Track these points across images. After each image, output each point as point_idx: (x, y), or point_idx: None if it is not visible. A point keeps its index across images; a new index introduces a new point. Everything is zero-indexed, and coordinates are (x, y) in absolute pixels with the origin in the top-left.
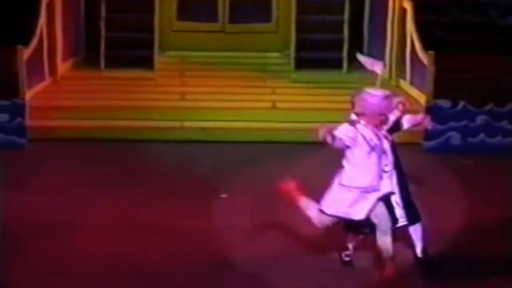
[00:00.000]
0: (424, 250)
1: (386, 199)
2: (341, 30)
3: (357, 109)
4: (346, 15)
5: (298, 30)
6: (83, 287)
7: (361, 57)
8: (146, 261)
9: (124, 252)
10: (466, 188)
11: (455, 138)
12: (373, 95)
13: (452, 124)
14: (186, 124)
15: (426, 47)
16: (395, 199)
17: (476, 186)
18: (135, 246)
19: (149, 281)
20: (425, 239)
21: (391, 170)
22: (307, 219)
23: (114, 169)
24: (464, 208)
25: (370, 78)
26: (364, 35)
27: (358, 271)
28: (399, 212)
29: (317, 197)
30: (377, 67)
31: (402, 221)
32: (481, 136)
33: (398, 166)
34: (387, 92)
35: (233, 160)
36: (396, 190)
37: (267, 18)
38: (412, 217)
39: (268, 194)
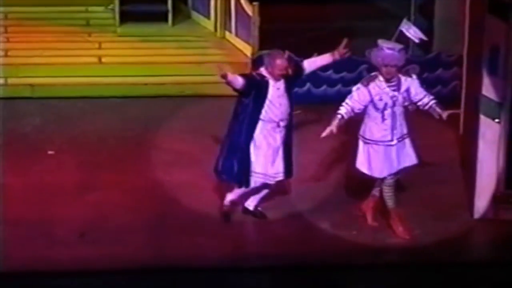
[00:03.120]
0: (256, 207)
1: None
2: None
3: (374, 61)
4: None
5: None
6: None
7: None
8: None
9: None
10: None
11: None
12: (390, 47)
13: None
14: (11, 81)
15: None
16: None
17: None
18: None
19: None
20: (264, 199)
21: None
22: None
23: None
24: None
25: (195, 31)
26: None
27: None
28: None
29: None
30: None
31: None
32: (308, 85)
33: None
34: (400, 46)
35: (60, 116)
36: (281, 144)
37: None
38: (289, 172)
39: (98, 149)
